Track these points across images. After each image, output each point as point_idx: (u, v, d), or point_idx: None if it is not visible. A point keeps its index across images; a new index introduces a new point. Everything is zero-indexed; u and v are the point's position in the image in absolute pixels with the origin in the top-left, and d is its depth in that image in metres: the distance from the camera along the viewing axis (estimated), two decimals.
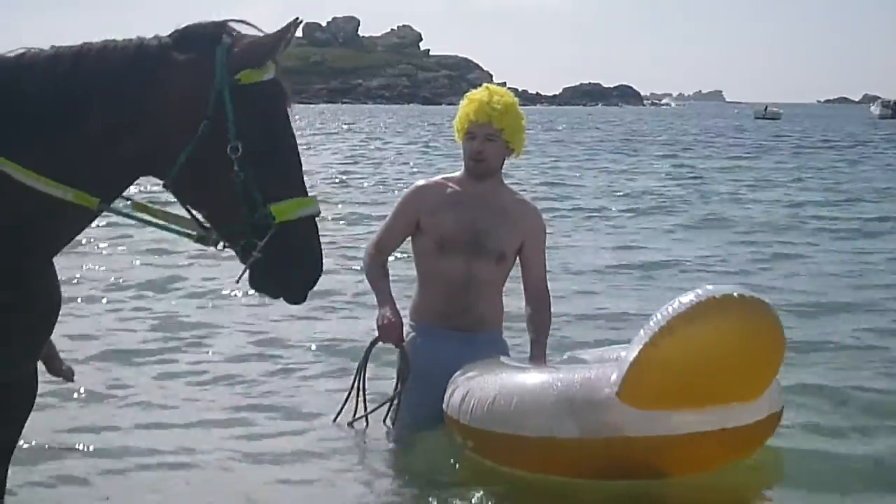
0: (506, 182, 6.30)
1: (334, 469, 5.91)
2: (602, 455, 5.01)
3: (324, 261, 3.83)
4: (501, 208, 6.07)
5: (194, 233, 3.83)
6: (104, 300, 10.71)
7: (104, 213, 3.83)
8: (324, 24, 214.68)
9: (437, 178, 6.27)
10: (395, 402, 6.10)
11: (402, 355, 5.99)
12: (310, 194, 3.80)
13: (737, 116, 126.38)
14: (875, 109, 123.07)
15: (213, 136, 3.63)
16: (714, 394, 4.89)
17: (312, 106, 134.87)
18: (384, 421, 6.16)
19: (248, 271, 3.76)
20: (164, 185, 3.76)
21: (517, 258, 6.15)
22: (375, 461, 6.06)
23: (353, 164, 33.61)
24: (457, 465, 5.77)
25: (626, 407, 4.88)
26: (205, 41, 3.69)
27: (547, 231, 6.33)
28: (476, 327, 6.06)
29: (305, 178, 3.81)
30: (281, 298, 3.90)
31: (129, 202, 3.91)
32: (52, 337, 4.24)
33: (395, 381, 6.14)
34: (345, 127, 70.21)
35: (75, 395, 6.99)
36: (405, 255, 6.41)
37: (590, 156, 39.79)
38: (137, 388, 7.52)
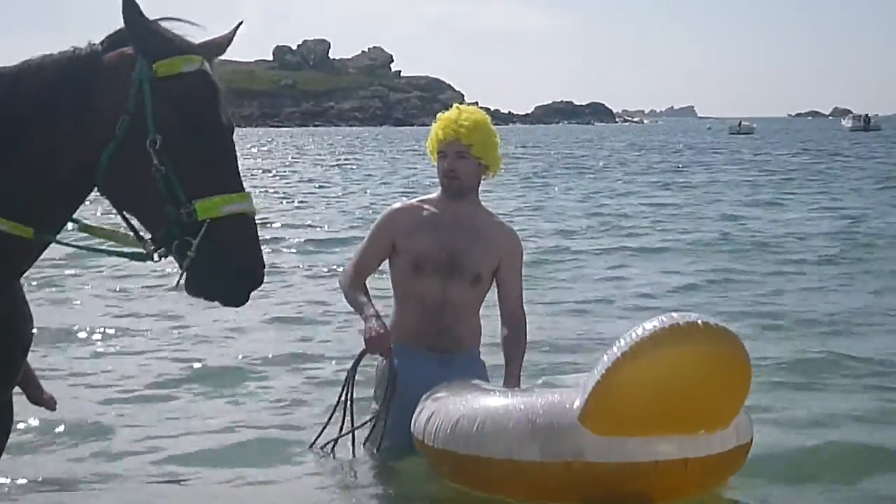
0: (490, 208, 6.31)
1: (307, 495, 5.90)
2: (563, 479, 4.98)
3: (263, 261, 3.66)
4: (477, 229, 6.07)
5: (129, 250, 3.74)
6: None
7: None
8: (294, 46, 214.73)
9: (413, 200, 6.27)
10: (376, 424, 6.03)
11: (391, 374, 5.93)
12: (245, 190, 3.65)
13: (711, 132, 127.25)
14: (846, 122, 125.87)
15: (133, 131, 3.53)
16: (677, 422, 4.86)
17: (284, 129, 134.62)
18: (363, 444, 6.10)
19: (185, 275, 3.62)
20: (100, 192, 3.68)
21: (493, 280, 6.15)
22: (350, 486, 6.01)
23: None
24: (433, 491, 5.75)
25: (587, 432, 4.87)
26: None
27: (524, 254, 6.31)
28: (453, 348, 6.05)
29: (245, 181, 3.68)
30: (218, 302, 3.74)
31: (75, 225, 3.83)
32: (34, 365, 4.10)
33: (375, 402, 6.11)
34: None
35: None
36: (382, 275, 6.39)
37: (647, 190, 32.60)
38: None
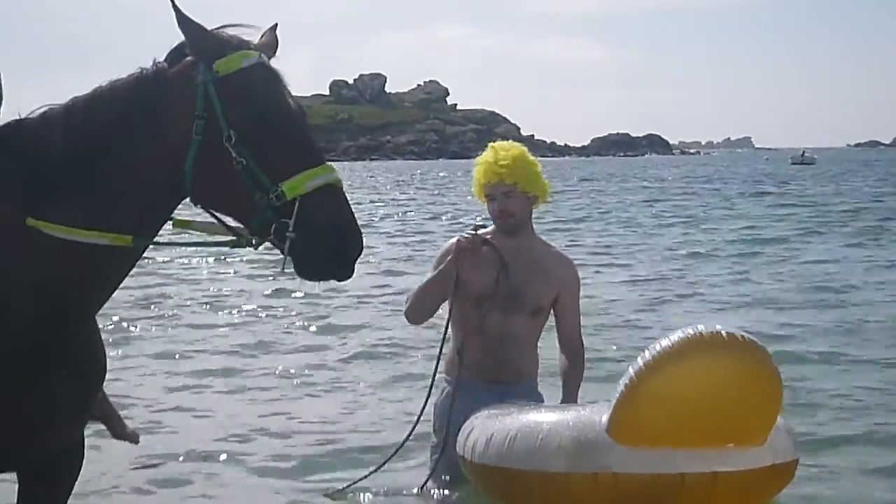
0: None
1: None
2: (591, 491, 5.00)
3: (358, 227, 3.71)
4: (536, 261, 6.11)
5: (227, 239, 3.85)
6: None
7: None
8: (350, 81, 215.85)
9: (473, 234, 6.22)
10: (441, 455, 6.08)
11: (447, 401, 6.05)
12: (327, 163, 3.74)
13: (770, 163, 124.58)
14: None
15: (209, 133, 3.65)
16: (704, 435, 4.86)
17: (342, 163, 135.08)
18: (428, 479, 6.18)
19: (290, 260, 3.69)
20: (192, 202, 3.81)
21: (552, 311, 6.20)
22: None
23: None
24: None
25: (614, 443, 4.90)
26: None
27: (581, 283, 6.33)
28: (512, 380, 6.10)
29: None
30: (331, 280, 3.81)
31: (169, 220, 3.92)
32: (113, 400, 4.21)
33: (434, 435, 6.22)
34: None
35: None
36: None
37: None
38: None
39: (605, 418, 4.97)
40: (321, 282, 3.82)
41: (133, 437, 4.77)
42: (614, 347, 10.98)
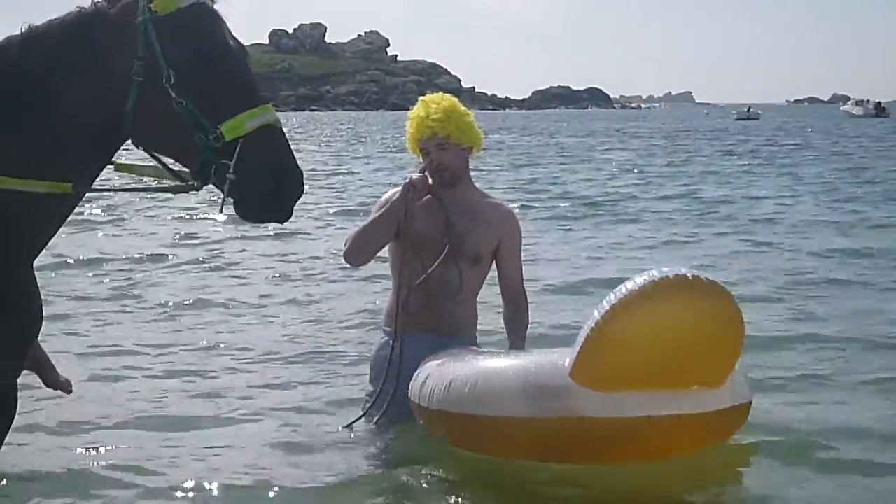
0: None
1: (318, 466, 5.84)
2: (556, 436, 4.96)
3: (299, 168, 3.75)
4: (475, 211, 6.06)
5: (170, 184, 3.86)
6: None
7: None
8: (290, 30, 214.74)
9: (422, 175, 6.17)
10: (377, 401, 6.02)
11: (390, 355, 5.96)
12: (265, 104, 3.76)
13: (716, 118, 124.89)
14: (855, 110, 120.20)
15: (149, 74, 3.64)
16: (670, 377, 4.81)
17: (282, 113, 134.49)
18: (360, 420, 6.11)
19: (231, 201, 3.71)
20: (135, 144, 3.80)
21: (493, 261, 6.12)
22: (359, 459, 5.92)
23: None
24: (426, 454, 5.71)
25: (580, 387, 4.83)
26: None
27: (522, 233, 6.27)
28: (450, 331, 6.02)
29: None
30: (270, 222, 3.87)
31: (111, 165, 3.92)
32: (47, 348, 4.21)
33: (370, 384, 6.15)
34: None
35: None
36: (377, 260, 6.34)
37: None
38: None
39: (568, 362, 4.90)
40: (261, 223, 3.90)
41: (65, 386, 4.77)
42: None
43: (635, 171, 32.57)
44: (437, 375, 5.45)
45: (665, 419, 4.85)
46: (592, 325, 4.80)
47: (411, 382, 5.67)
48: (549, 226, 17.76)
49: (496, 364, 5.29)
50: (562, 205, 21.28)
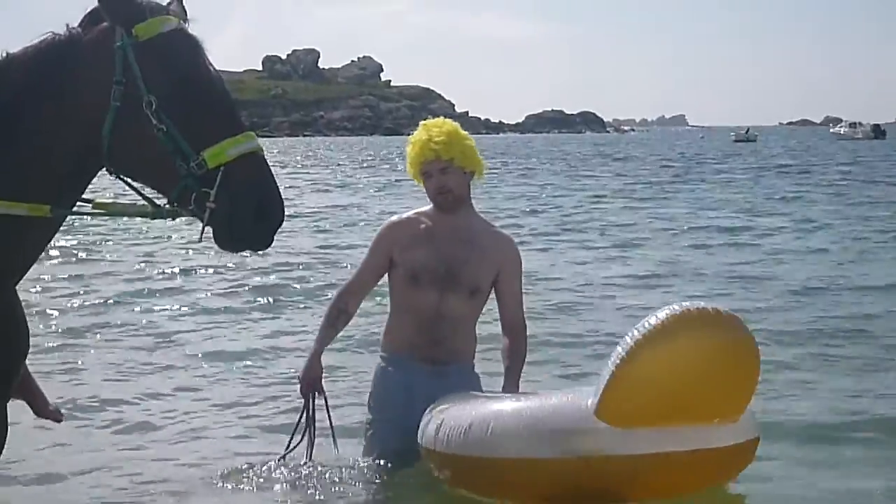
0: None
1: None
2: (580, 474, 4.92)
3: (281, 198, 3.68)
4: (474, 240, 6.01)
5: (148, 211, 3.78)
6: None
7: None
8: (284, 56, 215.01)
9: (410, 213, 6.18)
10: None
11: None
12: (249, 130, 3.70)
13: (710, 141, 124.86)
14: (853, 132, 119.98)
15: (128, 99, 3.58)
16: (693, 412, 4.81)
17: (276, 139, 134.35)
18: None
19: (211, 230, 3.64)
20: (108, 171, 3.73)
21: (492, 290, 6.07)
22: (345, 496, 5.86)
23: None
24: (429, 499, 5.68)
25: (603, 424, 4.81)
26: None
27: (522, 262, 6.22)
28: (448, 359, 5.97)
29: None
30: (248, 252, 3.81)
31: (89, 205, 3.88)
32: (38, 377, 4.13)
33: (369, 412, 6.10)
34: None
35: None
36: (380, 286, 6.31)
37: None
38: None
39: (591, 402, 4.88)
40: (241, 251, 3.79)
41: (55, 415, 4.71)
42: None
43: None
44: (452, 418, 5.37)
45: (685, 454, 4.84)
46: (617, 361, 4.77)
47: (421, 428, 5.58)
48: None
49: (514, 407, 5.22)
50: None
